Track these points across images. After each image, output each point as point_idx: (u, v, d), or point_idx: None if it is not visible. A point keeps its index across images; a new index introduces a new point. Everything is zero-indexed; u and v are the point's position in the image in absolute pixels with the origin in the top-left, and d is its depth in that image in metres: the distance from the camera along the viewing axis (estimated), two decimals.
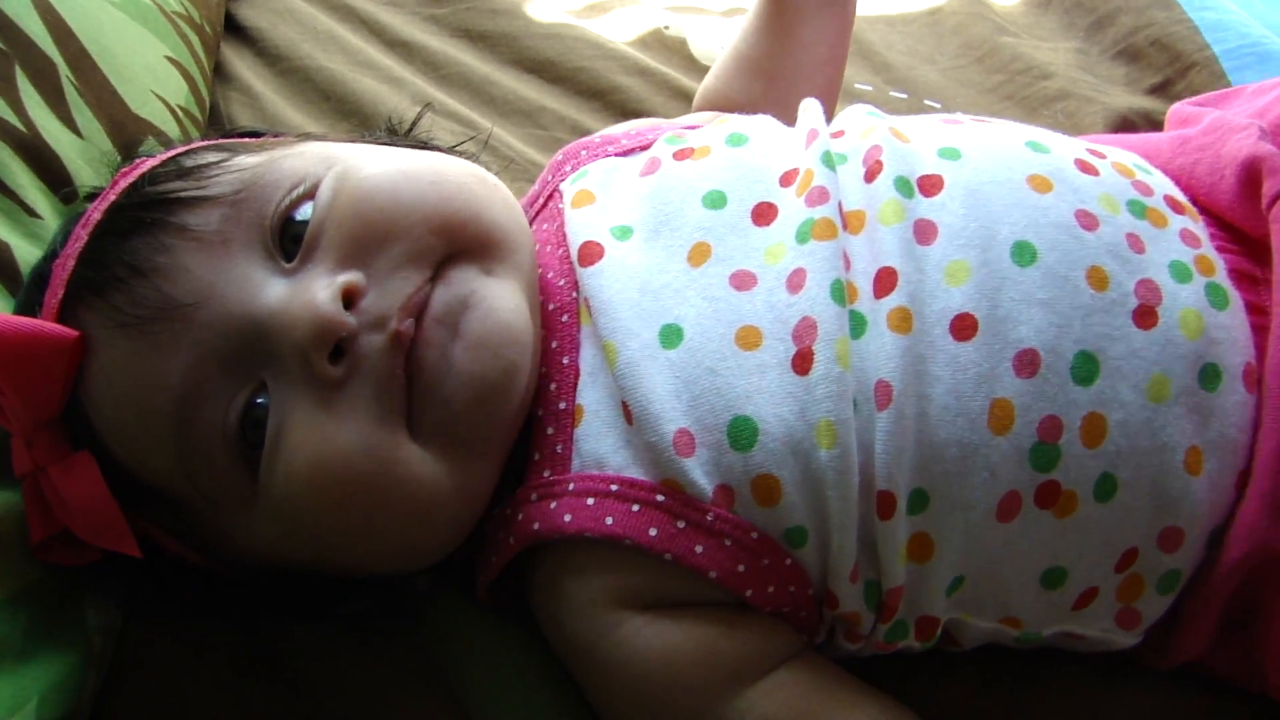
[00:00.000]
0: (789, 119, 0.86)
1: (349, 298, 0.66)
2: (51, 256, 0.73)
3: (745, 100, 1.04)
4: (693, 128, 0.87)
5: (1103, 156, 0.79)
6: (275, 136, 0.84)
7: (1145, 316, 0.69)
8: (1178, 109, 0.98)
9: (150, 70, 1.04)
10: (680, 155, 0.80)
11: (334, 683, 0.75)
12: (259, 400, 0.67)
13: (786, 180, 0.77)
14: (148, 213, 0.70)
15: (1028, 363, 0.67)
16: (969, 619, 0.72)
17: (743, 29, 1.07)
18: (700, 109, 1.10)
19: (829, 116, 0.93)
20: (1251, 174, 0.77)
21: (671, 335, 0.70)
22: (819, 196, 0.73)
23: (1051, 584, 0.70)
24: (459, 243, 0.70)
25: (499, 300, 0.70)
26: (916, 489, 0.67)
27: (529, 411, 0.73)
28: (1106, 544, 0.69)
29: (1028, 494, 0.67)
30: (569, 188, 0.82)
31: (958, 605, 0.71)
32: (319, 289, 0.66)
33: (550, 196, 0.84)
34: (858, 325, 0.69)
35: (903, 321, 0.68)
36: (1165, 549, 0.70)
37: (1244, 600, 0.71)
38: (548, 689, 0.75)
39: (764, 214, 0.75)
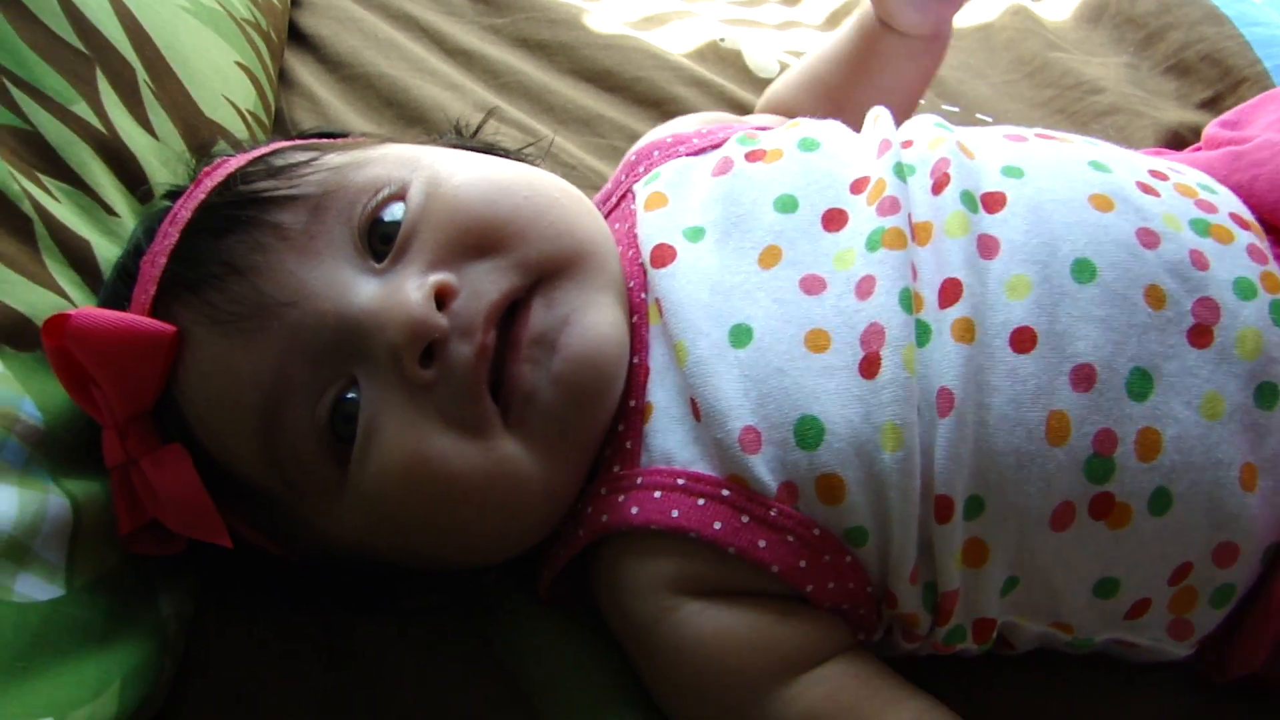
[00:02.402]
0: (853, 128, 0.87)
1: (441, 298, 0.68)
2: (135, 253, 0.75)
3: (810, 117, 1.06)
4: (764, 128, 0.89)
5: (1165, 178, 0.80)
6: (355, 138, 0.86)
7: (1200, 335, 0.70)
8: (1212, 134, 0.99)
9: (221, 75, 1.06)
10: (752, 157, 0.82)
11: (402, 675, 0.76)
12: (349, 395, 0.69)
13: (857, 188, 0.78)
14: (242, 211, 0.71)
15: (1084, 377, 0.68)
16: (1023, 621, 0.73)
17: (824, 51, 1.09)
18: (764, 113, 1.12)
19: None
20: None
21: (741, 335, 0.72)
22: (890, 206, 0.74)
23: (1104, 593, 0.71)
24: (553, 258, 0.72)
25: (597, 314, 0.72)
26: (973, 495, 0.68)
27: None
28: (1160, 557, 0.70)
29: (1082, 505, 0.68)
30: (642, 189, 0.84)
31: (1012, 607, 0.72)
32: (411, 289, 0.68)
33: (623, 197, 0.86)
34: (923, 333, 0.70)
35: (966, 332, 0.69)
36: (1220, 564, 0.70)
37: None
38: (613, 684, 0.76)
39: (834, 220, 0.76)
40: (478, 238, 0.71)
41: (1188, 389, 0.69)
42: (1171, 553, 0.70)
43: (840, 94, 0.89)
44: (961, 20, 1.51)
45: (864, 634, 0.74)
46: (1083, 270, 0.71)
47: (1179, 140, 1.23)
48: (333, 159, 0.75)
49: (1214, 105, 1.29)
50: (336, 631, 0.78)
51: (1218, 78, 1.30)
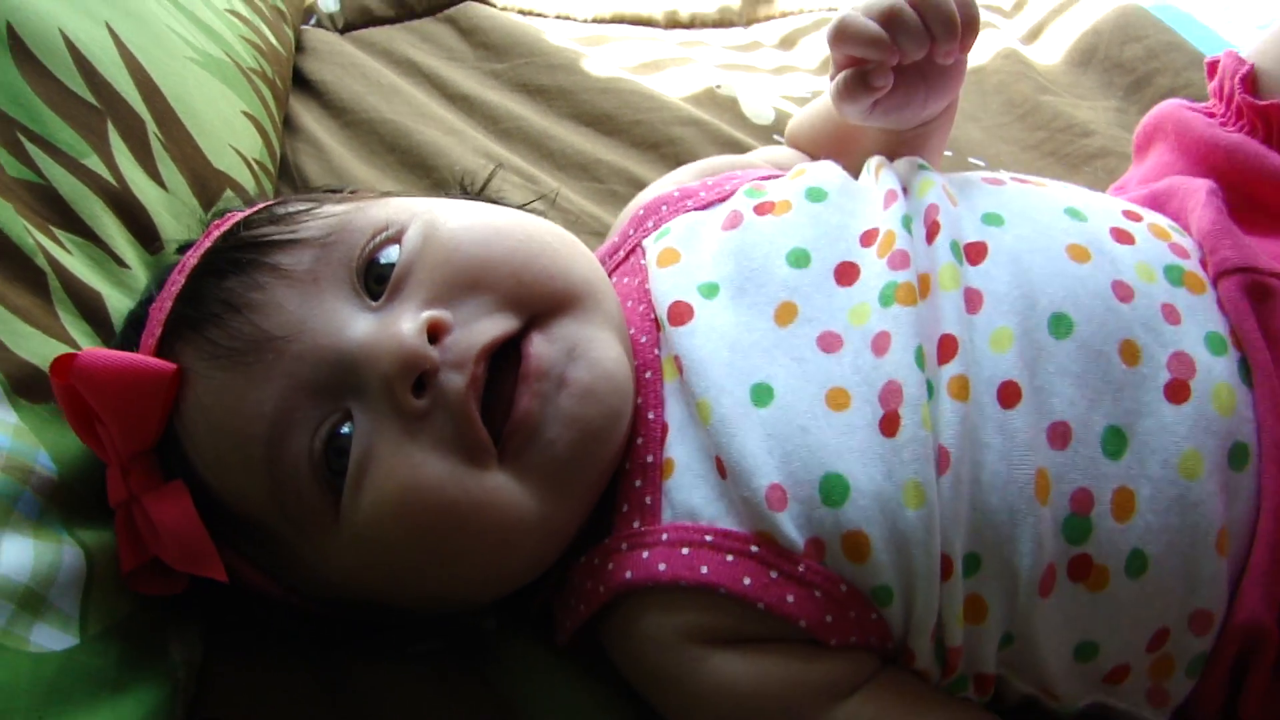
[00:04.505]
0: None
1: (434, 333, 0.69)
2: (147, 302, 0.77)
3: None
4: (768, 177, 0.89)
5: (1139, 219, 0.81)
6: (357, 192, 0.88)
7: (1177, 391, 0.71)
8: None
9: (228, 124, 1.08)
10: (761, 210, 0.83)
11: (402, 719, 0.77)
12: (344, 429, 0.70)
13: (867, 240, 0.79)
14: (243, 254, 0.74)
15: (1060, 434, 0.69)
16: (1014, 680, 0.74)
17: (833, 117, 0.98)
18: (791, 145, 1.09)
19: None
20: (1205, 250, 0.79)
21: (762, 394, 0.73)
22: (901, 261, 0.75)
23: (1084, 657, 0.71)
24: (548, 298, 0.73)
25: (601, 350, 0.73)
26: (970, 553, 0.69)
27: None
28: (1138, 622, 0.70)
29: (1061, 566, 0.69)
30: (652, 245, 0.84)
31: (1005, 664, 0.73)
32: (405, 323, 0.69)
33: (631, 251, 0.87)
34: (930, 391, 0.71)
35: (961, 389, 0.70)
36: (1196, 631, 0.71)
37: (1239, 673, 0.72)
38: None
39: (846, 274, 0.77)
40: (472, 278, 0.72)
41: (1165, 448, 0.70)
42: (1148, 618, 0.70)
43: (848, 149, 0.88)
44: None
45: None
46: (1059, 325, 0.72)
47: None
48: (334, 208, 0.78)
49: None
50: (341, 677, 0.79)
51: None
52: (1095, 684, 0.73)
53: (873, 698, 0.71)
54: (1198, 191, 0.84)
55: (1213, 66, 0.96)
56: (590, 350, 0.73)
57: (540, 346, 0.72)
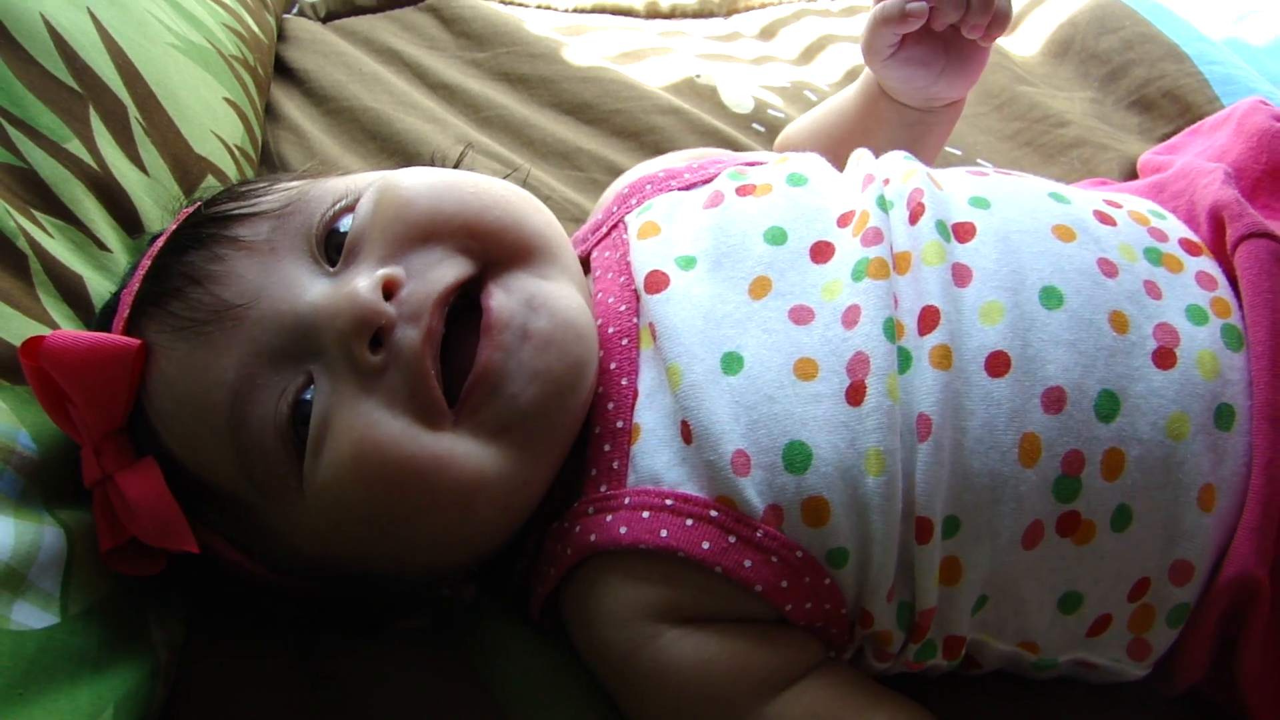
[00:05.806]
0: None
1: (388, 290, 0.70)
2: (121, 289, 0.78)
3: None
4: (753, 164, 0.91)
5: (1119, 206, 0.83)
6: (319, 168, 0.89)
7: (1164, 358, 0.73)
8: (1147, 159, 1.02)
9: (210, 111, 1.08)
10: (743, 191, 0.84)
11: (381, 697, 0.78)
12: (308, 394, 0.71)
13: (843, 221, 0.81)
14: (203, 229, 0.75)
15: (1055, 400, 0.71)
16: (990, 640, 0.76)
17: (835, 103, 1.12)
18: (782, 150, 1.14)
19: None
20: (1218, 220, 0.81)
21: (732, 363, 0.74)
22: (874, 237, 0.77)
23: (1068, 608, 0.73)
24: (501, 248, 0.75)
25: (562, 300, 0.74)
26: (950, 515, 0.71)
27: (587, 429, 0.76)
28: (1121, 572, 0.72)
29: (1050, 523, 0.71)
30: (634, 219, 0.86)
31: (980, 625, 0.75)
32: (360, 281, 0.70)
33: (614, 226, 0.88)
34: (904, 361, 0.72)
35: (944, 359, 0.72)
36: (1176, 582, 0.73)
37: (1232, 628, 0.74)
38: (590, 705, 0.77)
39: (822, 252, 0.79)
40: (424, 230, 0.73)
41: (1154, 410, 0.72)
42: (1130, 567, 0.72)
43: (843, 150, 0.91)
44: None
45: (835, 653, 0.76)
46: (1050, 297, 0.74)
47: None
48: (293, 182, 0.79)
49: None
50: (317, 654, 0.80)
51: (1178, 113, 1.33)
52: (1079, 638, 0.75)
53: (804, 693, 0.72)
54: (1214, 172, 0.86)
55: None
56: (550, 301, 0.74)
57: (499, 298, 0.72)
